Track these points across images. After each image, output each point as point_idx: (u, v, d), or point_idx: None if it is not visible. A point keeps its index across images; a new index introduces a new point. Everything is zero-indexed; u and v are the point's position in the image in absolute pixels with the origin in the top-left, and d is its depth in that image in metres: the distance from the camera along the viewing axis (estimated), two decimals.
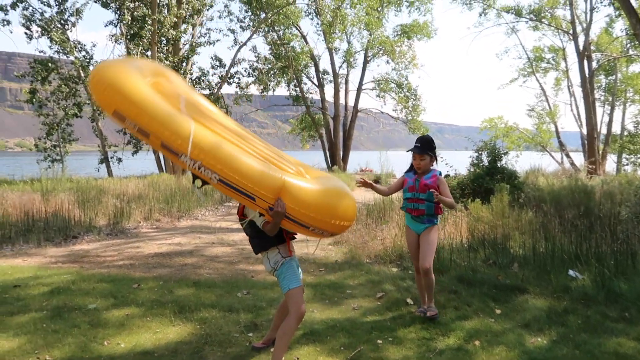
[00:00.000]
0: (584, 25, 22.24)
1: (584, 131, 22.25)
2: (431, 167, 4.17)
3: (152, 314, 4.24)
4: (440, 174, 4.15)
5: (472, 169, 10.12)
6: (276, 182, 2.80)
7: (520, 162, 11.87)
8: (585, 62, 21.30)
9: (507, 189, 7.68)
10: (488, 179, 9.29)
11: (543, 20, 24.15)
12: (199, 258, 6.42)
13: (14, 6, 17.33)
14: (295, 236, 3.25)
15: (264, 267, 3.33)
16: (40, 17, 17.88)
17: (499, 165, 9.74)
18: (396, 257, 6.13)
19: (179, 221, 9.79)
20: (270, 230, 2.97)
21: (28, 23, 17.70)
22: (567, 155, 24.19)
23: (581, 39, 21.72)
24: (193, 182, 2.90)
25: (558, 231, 6.28)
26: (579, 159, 23.62)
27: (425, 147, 4.10)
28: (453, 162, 10.67)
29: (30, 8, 17.67)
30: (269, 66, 24.89)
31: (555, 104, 26.07)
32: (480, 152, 10.16)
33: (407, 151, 4.20)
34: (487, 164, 9.87)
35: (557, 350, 3.51)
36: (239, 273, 5.68)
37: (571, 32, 22.38)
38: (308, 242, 7.46)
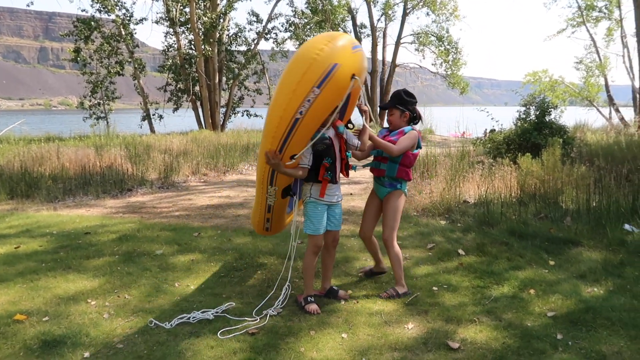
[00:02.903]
0: None
1: (637, 84, 21.13)
2: (411, 125, 3.75)
3: (215, 259, 4.50)
4: (411, 130, 3.66)
5: (518, 124, 9.87)
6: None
7: (564, 117, 11.52)
8: None
9: (559, 143, 7.50)
10: (536, 133, 9.07)
11: None
12: (250, 210, 6.64)
13: None
14: (334, 180, 3.45)
15: None
16: None
17: (547, 119, 9.47)
18: (444, 210, 6.18)
19: (225, 175, 10.07)
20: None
21: None
22: (617, 110, 23.12)
23: None
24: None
25: (612, 186, 6.14)
26: (628, 114, 22.54)
27: (393, 101, 3.72)
28: (497, 118, 10.47)
29: None
30: (306, 21, 24.45)
31: (605, 56, 24.68)
32: (528, 106, 9.88)
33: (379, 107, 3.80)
34: (534, 118, 9.61)
35: (614, 300, 3.53)
36: (291, 224, 5.86)
37: None
38: (352, 196, 7.59)
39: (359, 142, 3.57)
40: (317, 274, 4.12)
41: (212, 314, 3.35)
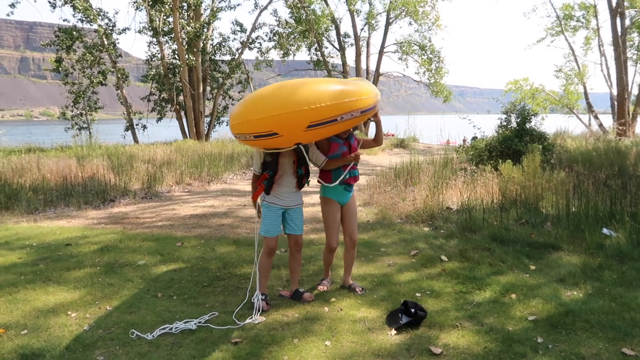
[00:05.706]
0: None
1: (614, 92, 21.58)
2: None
3: (198, 269, 4.46)
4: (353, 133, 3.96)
5: (500, 131, 10.02)
6: None
7: (545, 124, 11.72)
8: (618, 19, 20.45)
9: (539, 149, 7.63)
10: (517, 140, 9.22)
11: None
12: (234, 219, 6.63)
13: None
14: (267, 191, 3.59)
15: None
16: None
17: (528, 127, 9.63)
18: (427, 217, 6.23)
19: (209, 185, 10.02)
20: None
21: None
22: (596, 117, 23.58)
23: None
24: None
25: (591, 191, 6.26)
26: (607, 120, 23.01)
27: None
28: (479, 125, 10.63)
29: None
30: (290, 30, 24.57)
31: (584, 64, 25.22)
32: (509, 114, 10.04)
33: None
34: (515, 125, 9.77)
35: (593, 303, 3.59)
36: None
37: None
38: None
39: (325, 159, 3.71)
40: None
41: (194, 324, 3.32)
